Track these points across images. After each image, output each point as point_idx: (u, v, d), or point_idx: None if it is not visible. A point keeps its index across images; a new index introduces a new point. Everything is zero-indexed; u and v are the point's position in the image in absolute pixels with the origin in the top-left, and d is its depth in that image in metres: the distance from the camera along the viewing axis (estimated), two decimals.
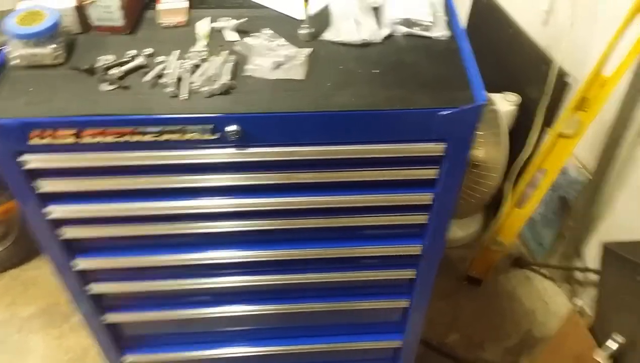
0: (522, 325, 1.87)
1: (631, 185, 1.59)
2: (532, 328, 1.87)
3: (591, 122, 1.48)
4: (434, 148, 0.94)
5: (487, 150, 1.75)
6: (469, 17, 2.12)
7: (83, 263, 1.09)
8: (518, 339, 1.84)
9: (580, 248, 1.82)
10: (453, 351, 1.78)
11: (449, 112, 0.88)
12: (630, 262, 1.23)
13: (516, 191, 1.73)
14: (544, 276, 1.99)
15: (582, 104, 1.48)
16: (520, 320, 1.88)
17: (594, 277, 1.80)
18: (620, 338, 1.26)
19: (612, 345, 1.26)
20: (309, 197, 1.01)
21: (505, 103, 1.79)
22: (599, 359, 1.28)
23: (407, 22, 1.02)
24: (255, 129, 0.89)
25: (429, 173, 0.99)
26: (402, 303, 1.27)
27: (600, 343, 1.29)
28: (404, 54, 0.98)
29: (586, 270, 1.80)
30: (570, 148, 1.55)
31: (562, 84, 1.67)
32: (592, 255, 1.80)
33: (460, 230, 2.06)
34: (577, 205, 1.75)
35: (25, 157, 0.90)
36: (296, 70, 0.94)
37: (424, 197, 1.02)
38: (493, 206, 2.07)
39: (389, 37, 1.02)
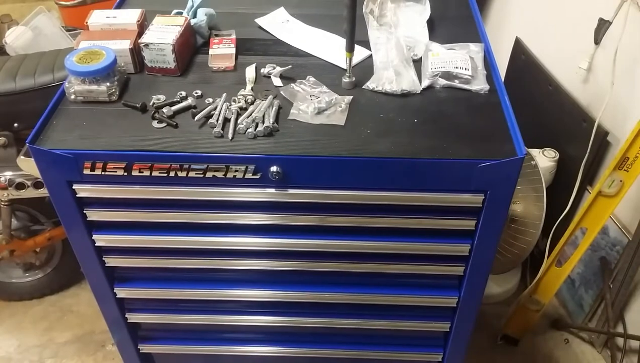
0: None
1: None
2: None
3: (632, 182, 1.46)
4: (473, 199, 0.94)
5: (526, 205, 1.72)
6: (506, 72, 2.14)
7: (122, 292, 1.12)
8: None
9: (623, 312, 1.75)
10: None
11: (490, 163, 0.89)
12: None
13: (555, 249, 1.69)
14: (583, 339, 1.91)
15: (623, 164, 1.46)
16: None
17: (636, 344, 1.72)
18: None
19: None
20: (343, 241, 1.02)
21: (543, 158, 1.78)
22: None
23: (447, 75, 1.05)
24: (295, 171, 0.92)
25: (467, 224, 0.99)
26: (436, 356, 1.24)
27: None
28: (444, 106, 1.01)
29: (628, 337, 1.72)
30: (610, 208, 1.51)
31: (602, 142, 1.66)
32: (634, 321, 1.72)
33: (497, 287, 2.01)
34: (618, 267, 1.70)
35: (77, 187, 0.95)
36: (337, 117, 0.97)
37: (461, 248, 1.02)
38: (531, 264, 2.02)
39: (429, 88, 1.04)
